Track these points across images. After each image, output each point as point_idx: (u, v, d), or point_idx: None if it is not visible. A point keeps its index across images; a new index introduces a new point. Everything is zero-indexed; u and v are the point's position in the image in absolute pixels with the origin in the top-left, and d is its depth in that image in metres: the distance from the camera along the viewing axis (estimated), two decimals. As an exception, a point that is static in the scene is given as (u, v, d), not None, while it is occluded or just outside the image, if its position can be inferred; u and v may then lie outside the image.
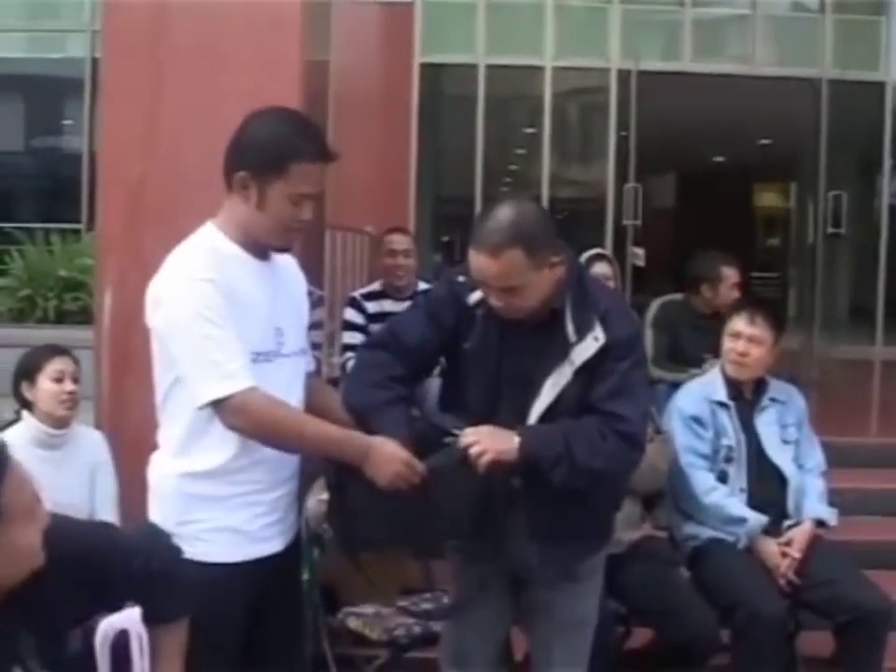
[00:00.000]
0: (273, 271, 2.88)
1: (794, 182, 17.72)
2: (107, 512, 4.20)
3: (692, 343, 5.66)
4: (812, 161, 12.57)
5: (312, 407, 2.95)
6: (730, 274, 5.80)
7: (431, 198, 12.93)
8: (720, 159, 18.38)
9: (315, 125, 2.84)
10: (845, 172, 12.83)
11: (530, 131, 12.54)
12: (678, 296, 6.06)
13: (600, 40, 12.08)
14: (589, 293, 3.07)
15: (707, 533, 4.31)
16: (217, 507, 2.78)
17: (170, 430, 2.82)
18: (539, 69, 11.84)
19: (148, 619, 2.69)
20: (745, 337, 4.36)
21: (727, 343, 4.42)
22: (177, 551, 2.66)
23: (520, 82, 12.43)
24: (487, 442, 2.87)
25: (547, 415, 2.99)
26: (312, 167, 2.75)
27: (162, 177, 4.52)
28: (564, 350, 2.99)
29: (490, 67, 11.81)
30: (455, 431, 2.90)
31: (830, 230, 11.99)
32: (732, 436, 4.35)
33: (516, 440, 2.90)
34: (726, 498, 4.30)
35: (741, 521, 4.26)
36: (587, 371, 2.98)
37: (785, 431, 4.44)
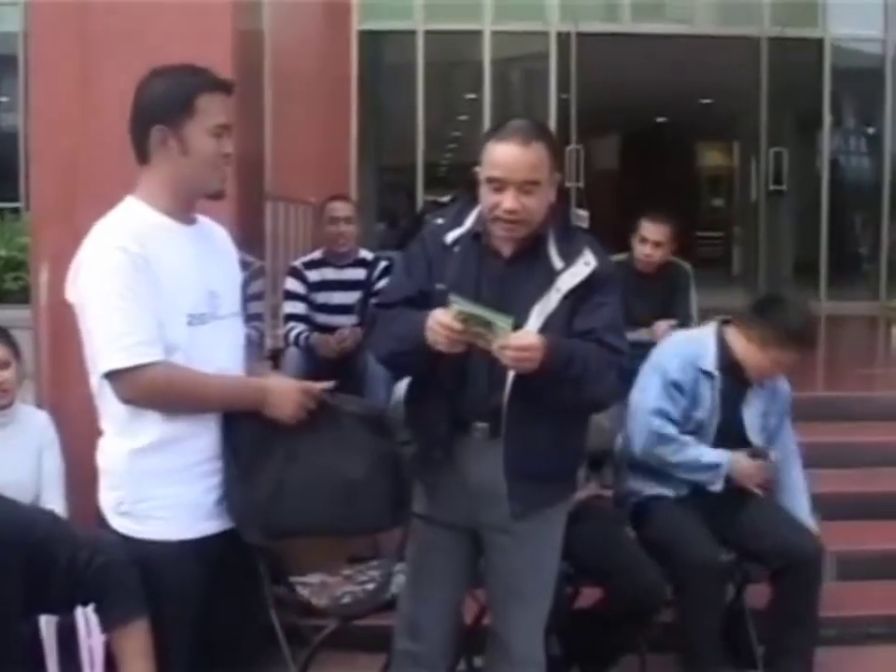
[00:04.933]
0: (202, 235, 2.89)
1: (736, 141, 17.77)
2: (54, 492, 4.19)
3: (635, 302, 5.67)
4: (753, 119, 12.63)
5: None
6: (645, 227, 5.90)
7: (373, 167, 12.86)
8: (661, 119, 18.38)
9: (200, 66, 2.88)
10: (785, 129, 12.89)
11: (471, 96, 12.47)
12: (621, 256, 6.08)
13: (539, 3, 12.03)
14: (571, 224, 3.24)
15: (646, 489, 4.34)
16: (171, 481, 2.75)
17: (109, 411, 2.79)
18: (478, 34, 11.80)
19: (103, 623, 2.66)
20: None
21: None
22: (124, 552, 2.64)
23: (459, 48, 12.36)
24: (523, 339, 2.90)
25: None
26: (215, 96, 2.81)
27: (95, 151, 4.46)
28: (549, 278, 3.06)
29: (429, 33, 11.75)
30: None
31: (772, 187, 12.11)
32: (708, 408, 4.33)
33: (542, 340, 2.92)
34: (696, 450, 4.29)
35: (716, 466, 4.29)
36: (572, 298, 3.06)
37: (766, 420, 4.44)
